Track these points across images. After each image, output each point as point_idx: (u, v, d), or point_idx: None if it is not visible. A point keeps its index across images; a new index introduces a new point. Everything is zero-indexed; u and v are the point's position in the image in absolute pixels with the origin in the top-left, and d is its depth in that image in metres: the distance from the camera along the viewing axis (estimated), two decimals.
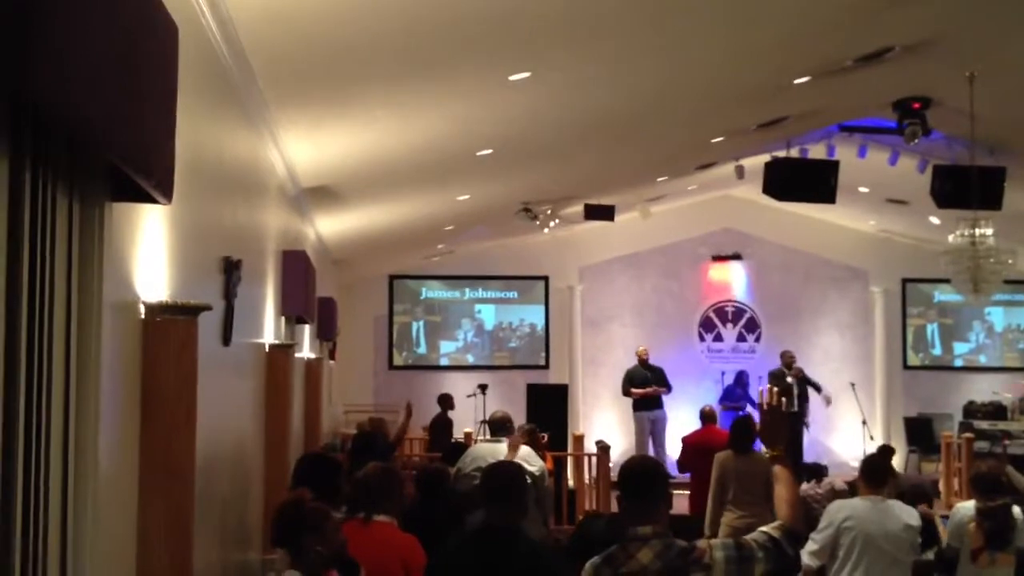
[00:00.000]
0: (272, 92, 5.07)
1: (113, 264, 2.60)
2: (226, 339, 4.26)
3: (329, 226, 9.78)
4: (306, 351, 8.74)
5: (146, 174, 2.37)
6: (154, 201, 2.57)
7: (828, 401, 14.35)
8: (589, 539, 4.56)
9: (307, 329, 8.57)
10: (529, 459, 7.09)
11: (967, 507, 6.04)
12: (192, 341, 3.06)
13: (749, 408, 14.30)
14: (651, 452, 13.80)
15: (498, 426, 7.43)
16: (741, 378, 15.23)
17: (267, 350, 5.86)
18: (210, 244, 4.08)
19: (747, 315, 16.34)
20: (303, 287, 6.87)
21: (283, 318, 6.69)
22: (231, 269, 4.29)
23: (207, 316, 3.34)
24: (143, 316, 2.94)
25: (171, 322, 2.98)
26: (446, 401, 13.47)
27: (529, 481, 6.15)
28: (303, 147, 6.39)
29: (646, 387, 14.22)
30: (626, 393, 14.41)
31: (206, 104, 3.92)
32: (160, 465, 2.89)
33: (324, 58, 4.83)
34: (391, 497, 4.29)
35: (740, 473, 7.74)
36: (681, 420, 14.77)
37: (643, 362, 14.47)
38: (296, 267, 6.79)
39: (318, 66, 4.94)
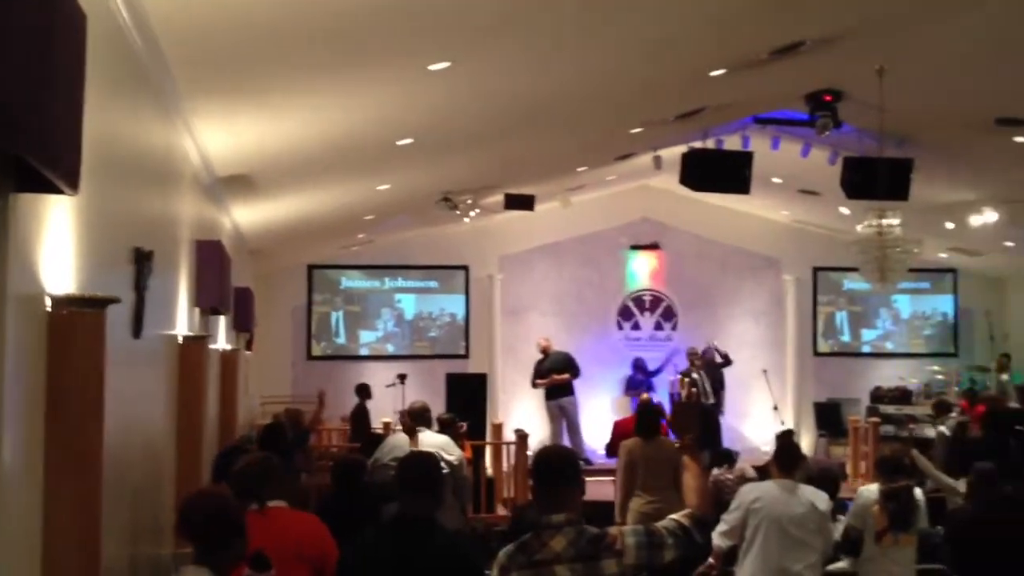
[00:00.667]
0: (185, 79, 4.99)
1: (18, 256, 2.55)
2: (136, 331, 4.19)
3: (246, 215, 9.65)
4: (221, 342, 8.62)
5: (52, 165, 2.32)
6: (61, 192, 2.52)
7: (719, 353, 14.77)
8: (525, 528, 4.60)
9: (222, 320, 8.45)
10: (447, 448, 7.11)
11: (871, 490, 6.23)
12: (100, 334, 3.01)
13: (657, 392, 14.56)
14: (565, 439, 13.97)
15: (417, 416, 7.44)
16: (639, 364, 15.51)
17: (180, 342, 5.77)
18: (120, 235, 4.01)
19: (664, 304, 16.57)
20: (218, 277, 6.78)
21: (197, 309, 6.59)
22: (142, 260, 4.21)
23: (117, 308, 3.28)
24: (49, 309, 2.88)
25: (78, 315, 2.93)
26: (363, 391, 13.42)
27: (447, 470, 6.18)
28: (218, 135, 6.29)
29: (546, 377, 14.43)
30: (533, 385, 14.71)
31: (116, 92, 3.85)
32: (67, 459, 2.84)
33: (240, 45, 4.76)
34: (276, 482, 4.26)
35: (647, 459, 7.85)
36: (601, 407, 14.97)
37: (545, 353, 14.67)
38: (211, 257, 6.69)
39: (233, 53, 4.87)
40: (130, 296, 4.08)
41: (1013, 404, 11.87)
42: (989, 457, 7.07)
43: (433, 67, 5.70)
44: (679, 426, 3.50)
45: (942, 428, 10.13)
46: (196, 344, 6.01)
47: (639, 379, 15.24)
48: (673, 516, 3.34)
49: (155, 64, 4.51)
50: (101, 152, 3.39)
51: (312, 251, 15.00)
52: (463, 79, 6.24)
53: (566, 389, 14.44)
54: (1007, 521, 5.79)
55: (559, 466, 3.39)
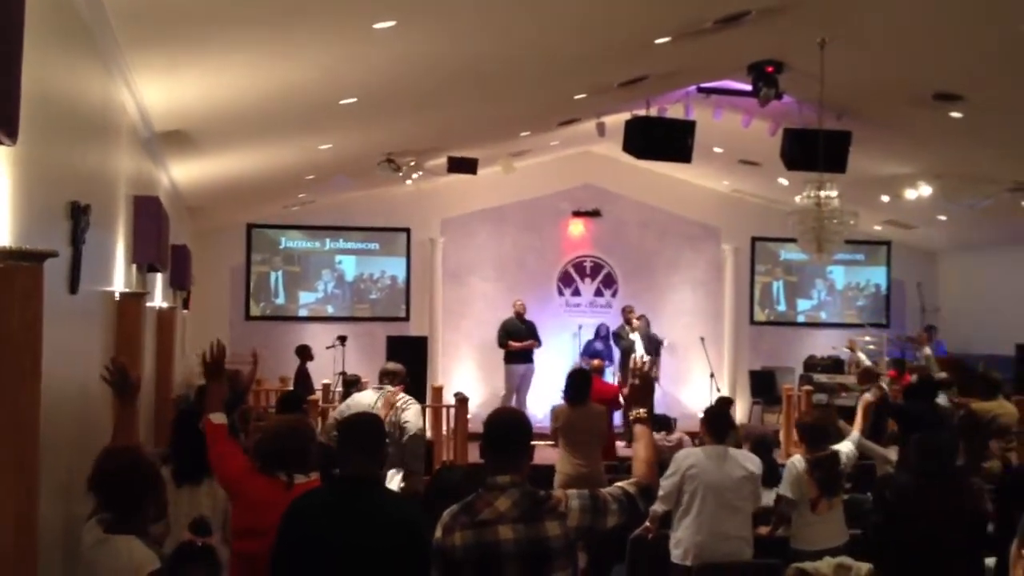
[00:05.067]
0: (124, 31, 4.86)
1: None
2: (73, 287, 4.12)
3: (184, 172, 9.48)
4: (158, 300, 8.50)
5: None
6: None
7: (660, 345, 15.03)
8: (444, 489, 4.62)
9: (159, 278, 8.33)
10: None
11: (801, 460, 6.33)
12: (37, 288, 2.95)
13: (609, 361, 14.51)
14: (513, 403, 14.03)
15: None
16: (601, 332, 15.31)
17: (117, 299, 5.68)
18: (57, 188, 3.92)
19: (605, 270, 16.66)
20: (155, 234, 6.66)
21: (134, 266, 6.49)
22: (79, 214, 4.13)
23: (53, 263, 3.22)
24: None
25: (14, 268, 2.86)
26: (304, 353, 13.33)
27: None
28: (156, 90, 6.16)
29: (523, 340, 14.38)
30: (502, 345, 14.48)
31: (54, 42, 3.74)
32: (3, 417, 2.79)
33: None
34: (308, 453, 4.20)
35: (571, 425, 7.90)
36: (540, 372, 15.03)
37: (519, 316, 14.62)
38: (148, 213, 6.57)
39: (173, 5, 4.76)
40: (67, 250, 4.00)
41: (940, 375, 12.13)
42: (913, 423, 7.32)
43: (378, 25, 5.63)
44: (633, 399, 3.48)
45: (868, 396, 10.33)
46: (133, 301, 5.92)
47: (597, 347, 14.97)
48: (619, 484, 3.39)
49: (94, 15, 4.40)
50: (38, 103, 3.30)
51: (252, 210, 14.80)
52: (409, 39, 6.17)
53: (529, 356, 14.47)
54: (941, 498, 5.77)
55: (513, 429, 3.42)
